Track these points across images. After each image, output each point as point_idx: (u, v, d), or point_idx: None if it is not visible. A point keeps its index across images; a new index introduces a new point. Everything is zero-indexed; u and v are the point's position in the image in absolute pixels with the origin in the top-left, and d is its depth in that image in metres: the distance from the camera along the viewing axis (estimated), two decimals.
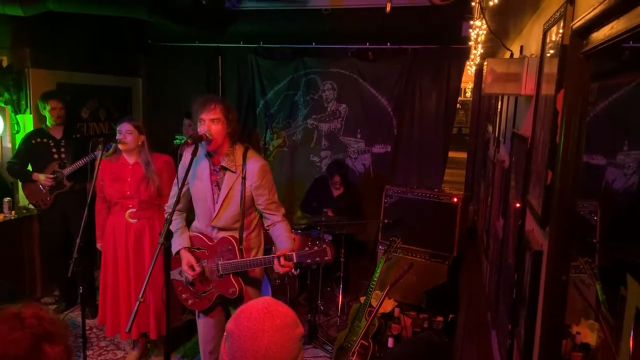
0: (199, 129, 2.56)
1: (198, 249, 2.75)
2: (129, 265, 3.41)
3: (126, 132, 3.28)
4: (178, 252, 2.72)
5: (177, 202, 2.52)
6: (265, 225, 2.79)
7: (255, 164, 2.64)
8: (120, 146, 3.30)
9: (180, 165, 2.67)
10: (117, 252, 3.42)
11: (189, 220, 2.90)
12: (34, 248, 4.51)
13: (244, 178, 2.61)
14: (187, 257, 2.68)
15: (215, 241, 2.71)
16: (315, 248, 2.46)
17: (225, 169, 2.64)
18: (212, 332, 2.89)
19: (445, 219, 4.45)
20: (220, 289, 2.69)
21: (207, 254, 2.72)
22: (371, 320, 3.35)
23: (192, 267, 2.67)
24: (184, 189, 2.62)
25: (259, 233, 2.84)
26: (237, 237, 2.67)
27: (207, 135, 2.51)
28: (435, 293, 4.34)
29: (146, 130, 3.39)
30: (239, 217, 2.66)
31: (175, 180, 2.66)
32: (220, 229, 2.70)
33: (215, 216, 2.67)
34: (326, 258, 2.45)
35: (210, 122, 2.52)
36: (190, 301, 2.80)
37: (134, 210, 3.38)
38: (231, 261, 2.62)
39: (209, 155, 2.65)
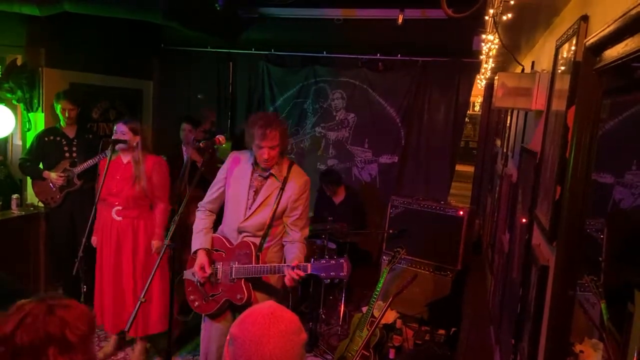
0: (255, 153, 2.60)
1: (216, 250, 2.71)
2: (110, 262, 3.48)
3: (120, 133, 3.37)
4: (196, 252, 2.70)
5: (213, 201, 2.77)
6: (284, 240, 2.74)
7: (299, 178, 2.69)
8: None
9: (222, 168, 2.80)
10: (102, 248, 3.52)
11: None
12: (40, 246, 4.53)
13: (282, 189, 2.63)
14: (200, 258, 2.65)
15: (235, 244, 2.68)
16: (332, 262, 2.32)
17: (272, 175, 2.67)
18: (217, 342, 2.76)
19: (450, 232, 4.42)
20: (229, 293, 2.63)
21: (224, 256, 2.68)
22: (373, 330, 3.34)
23: (203, 269, 2.64)
24: (219, 191, 2.75)
25: (281, 249, 2.77)
26: (258, 243, 2.63)
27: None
28: (438, 306, 4.31)
29: (144, 132, 3.50)
30: (266, 225, 2.64)
31: (215, 181, 2.79)
32: (246, 233, 2.68)
33: (246, 219, 2.65)
34: (342, 274, 2.31)
35: (269, 150, 2.56)
36: (197, 303, 2.74)
37: (120, 208, 3.43)
38: (245, 266, 2.58)
39: (255, 163, 2.68)
